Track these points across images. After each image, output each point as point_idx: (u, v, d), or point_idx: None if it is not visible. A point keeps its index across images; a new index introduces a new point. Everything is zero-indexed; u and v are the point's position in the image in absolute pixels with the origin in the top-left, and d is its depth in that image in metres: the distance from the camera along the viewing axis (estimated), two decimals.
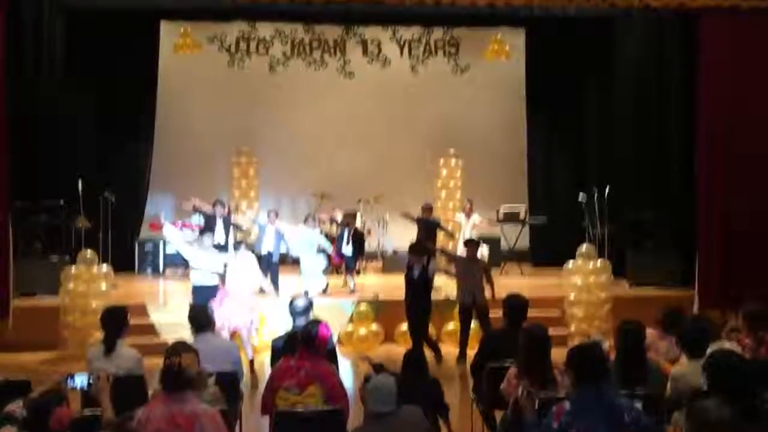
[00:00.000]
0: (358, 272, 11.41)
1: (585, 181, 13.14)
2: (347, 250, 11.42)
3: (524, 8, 10.62)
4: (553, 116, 13.90)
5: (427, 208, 11.84)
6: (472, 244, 9.41)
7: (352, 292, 11.02)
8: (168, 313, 9.65)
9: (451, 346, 9.20)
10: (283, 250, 11.40)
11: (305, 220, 10.99)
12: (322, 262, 11.28)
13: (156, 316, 9.68)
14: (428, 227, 11.64)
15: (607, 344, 5.22)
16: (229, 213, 11.32)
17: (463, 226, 12.43)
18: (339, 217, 12.45)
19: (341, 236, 11.60)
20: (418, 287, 8.69)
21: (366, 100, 14.91)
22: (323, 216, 12.45)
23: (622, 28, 12.52)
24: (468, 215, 12.55)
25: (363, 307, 10.02)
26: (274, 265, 10.92)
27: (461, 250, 11.69)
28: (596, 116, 13.52)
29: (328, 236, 12.33)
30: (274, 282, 10.74)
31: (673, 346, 5.55)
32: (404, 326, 9.70)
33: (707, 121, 9.98)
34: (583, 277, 9.75)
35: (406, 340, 9.46)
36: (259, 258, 10.90)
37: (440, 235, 12.24)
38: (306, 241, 10.77)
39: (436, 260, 9.34)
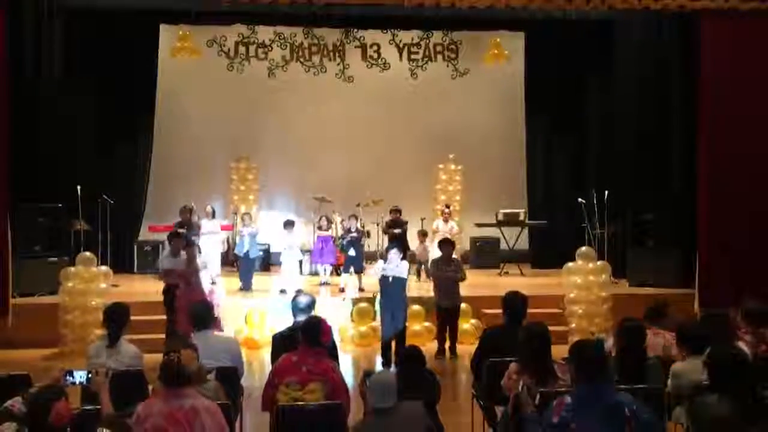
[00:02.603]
0: (358, 271, 11.47)
1: (585, 183, 13.16)
2: (351, 251, 11.48)
3: (523, 11, 10.63)
4: (552, 119, 13.91)
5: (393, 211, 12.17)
6: (447, 244, 9.38)
7: (361, 290, 11.13)
8: None
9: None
10: (262, 247, 12.29)
11: (285, 225, 11.41)
12: (299, 261, 11.69)
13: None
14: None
15: (610, 342, 5.20)
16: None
17: (441, 233, 12.36)
18: (338, 219, 12.55)
19: (344, 238, 11.63)
20: None
21: (365, 104, 14.93)
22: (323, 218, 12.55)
23: (622, 31, 12.55)
24: (446, 221, 12.53)
25: (363, 305, 10.09)
26: (250, 262, 11.50)
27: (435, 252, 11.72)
28: (596, 118, 13.52)
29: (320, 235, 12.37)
30: (248, 279, 11.36)
31: (669, 343, 5.55)
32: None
33: (707, 122, 10.01)
34: (582, 276, 9.76)
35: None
36: (237, 258, 11.67)
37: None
38: (287, 245, 11.26)
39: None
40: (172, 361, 4.09)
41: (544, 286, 11.13)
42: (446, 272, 9.08)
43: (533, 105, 14.19)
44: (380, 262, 8.84)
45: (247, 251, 11.42)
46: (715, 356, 4.17)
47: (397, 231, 11.99)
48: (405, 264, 8.72)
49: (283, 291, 10.74)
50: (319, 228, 12.02)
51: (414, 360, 5.23)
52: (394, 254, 8.52)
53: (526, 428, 4.20)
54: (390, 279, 8.47)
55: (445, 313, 9.13)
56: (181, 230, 11.21)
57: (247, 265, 11.45)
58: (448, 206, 13.04)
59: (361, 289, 11.14)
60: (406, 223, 12.45)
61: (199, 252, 9.19)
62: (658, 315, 5.86)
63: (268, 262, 13.49)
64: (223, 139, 14.41)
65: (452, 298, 9.08)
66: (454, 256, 9.59)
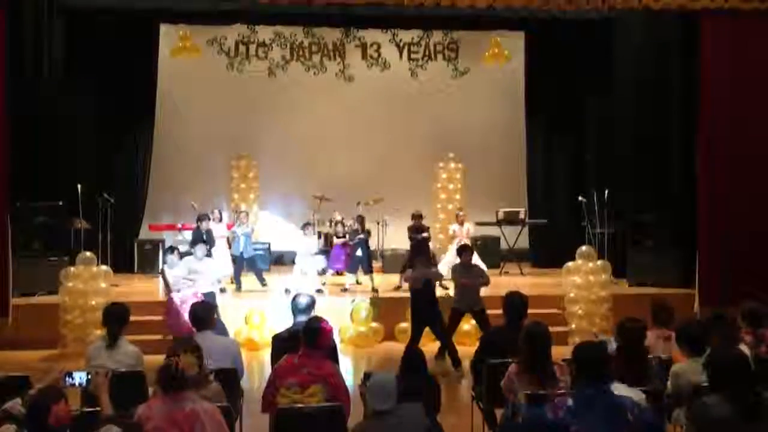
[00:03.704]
0: (369, 272, 11.46)
1: (585, 182, 13.15)
2: (359, 252, 11.50)
3: (523, 10, 10.62)
4: (552, 118, 13.91)
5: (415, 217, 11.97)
6: (466, 250, 9.32)
7: (375, 290, 11.06)
8: None
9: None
10: (261, 246, 12.35)
11: (303, 228, 11.35)
12: (319, 264, 11.52)
13: None
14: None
15: (614, 345, 5.18)
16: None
17: (458, 236, 12.30)
18: (338, 218, 12.57)
19: (354, 239, 11.61)
20: None
21: (365, 103, 14.93)
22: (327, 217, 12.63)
23: (622, 30, 12.54)
24: (461, 224, 12.47)
25: (364, 305, 10.07)
26: (245, 262, 11.46)
27: (451, 258, 11.67)
28: (596, 118, 13.51)
29: (328, 237, 12.37)
30: (259, 278, 11.42)
31: (670, 343, 5.55)
32: (404, 324, 9.79)
33: (707, 122, 10.00)
34: (583, 276, 9.76)
35: (406, 338, 9.50)
36: (234, 259, 11.52)
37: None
38: (304, 248, 11.16)
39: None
40: (170, 366, 4.09)
41: (544, 286, 11.13)
42: (468, 278, 8.98)
43: (533, 104, 14.18)
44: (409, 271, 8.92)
45: (242, 252, 11.37)
46: (715, 357, 4.16)
47: (425, 235, 11.72)
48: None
49: (287, 291, 10.70)
50: (336, 235, 12.05)
51: (415, 367, 5.23)
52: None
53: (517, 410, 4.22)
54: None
55: (460, 315, 8.99)
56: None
57: (240, 265, 11.41)
58: (461, 209, 12.88)
59: (374, 290, 11.04)
60: (428, 228, 12.26)
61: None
62: (666, 316, 5.86)
63: (269, 261, 13.50)
64: (224, 139, 14.41)
65: (471, 302, 8.93)
66: (475, 261, 9.53)
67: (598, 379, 3.73)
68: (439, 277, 9.09)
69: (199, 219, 11.47)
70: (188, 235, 13.20)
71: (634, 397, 3.85)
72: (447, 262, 12.07)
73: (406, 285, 9.71)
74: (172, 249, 9.16)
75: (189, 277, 8.66)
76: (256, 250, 12.11)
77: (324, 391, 4.71)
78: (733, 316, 5.76)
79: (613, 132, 13.03)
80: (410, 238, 11.79)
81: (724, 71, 9.85)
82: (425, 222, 11.97)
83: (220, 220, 12.30)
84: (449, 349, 8.64)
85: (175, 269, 8.75)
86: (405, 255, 13.28)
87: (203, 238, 10.58)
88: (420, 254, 9.72)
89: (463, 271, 9.00)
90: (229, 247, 11.98)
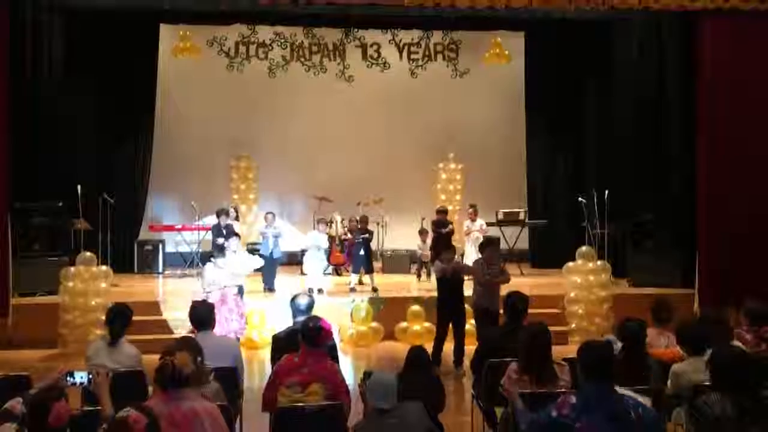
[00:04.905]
0: (370, 271, 11.49)
1: (585, 183, 13.15)
2: (361, 251, 11.52)
3: (524, 11, 10.62)
4: (552, 119, 13.90)
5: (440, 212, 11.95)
6: (491, 245, 9.12)
7: (375, 290, 11.08)
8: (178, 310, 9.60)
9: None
10: (284, 249, 12.02)
11: (317, 224, 11.38)
12: (323, 263, 11.53)
13: (168, 314, 9.73)
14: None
15: (620, 345, 5.18)
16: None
17: (473, 231, 12.31)
18: (339, 219, 12.59)
19: (357, 239, 11.64)
20: None
21: (365, 104, 14.93)
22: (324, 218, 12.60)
23: (622, 31, 12.55)
24: (473, 220, 12.47)
25: (363, 304, 10.05)
26: (275, 261, 11.42)
27: (468, 255, 11.69)
28: (596, 118, 13.52)
29: (329, 237, 12.38)
30: (271, 279, 11.29)
31: (671, 341, 5.56)
32: (404, 324, 9.77)
33: (707, 122, 10.00)
34: (582, 276, 9.76)
35: (406, 337, 9.50)
36: (262, 257, 11.27)
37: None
38: (313, 245, 11.15)
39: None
40: (167, 364, 4.08)
41: (544, 286, 11.12)
42: (494, 276, 8.68)
43: (533, 105, 14.17)
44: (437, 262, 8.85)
45: (271, 252, 11.35)
46: (717, 356, 4.16)
47: (448, 229, 11.89)
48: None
49: (311, 289, 10.58)
50: (350, 231, 12.08)
51: (418, 366, 5.22)
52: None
53: (517, 418, 4.21)
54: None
55: (484, 313, 8.75)
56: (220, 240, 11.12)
57: (271, 266, 11.30)
58: (472, 205, 12.83)
59: (374, 289, 11.06)
60: (452, 223, 12.35)
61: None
62: (667, 315, 5.86)
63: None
64: (223, 139, 14.40)
65: (490, 301, 8.58)
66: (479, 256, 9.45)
67: (603, 378, 3.73)
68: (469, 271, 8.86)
69: (218, 214, 11.52)
70: (187, 236, 13.32)
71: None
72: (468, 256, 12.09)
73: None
74: (220, 248, 9.05)
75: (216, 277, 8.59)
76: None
77: (324, 390, 4.70)
78: (728, 316, 5.77)
79: (612, 132, 13.03)
80: (434, 231, 11.85)
81: (723, 71, 9.85)
82: (427, 222, 12.00)
83: (236, 216, 12.37)
84: (457, 347, 8.60)
85: (217, 271, 8.56)
86: (405, 255, 13.37)
87: (229, 233, 10.57)
88: (444, 247, 9.60)
89: (487, 269, 8.82)
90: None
